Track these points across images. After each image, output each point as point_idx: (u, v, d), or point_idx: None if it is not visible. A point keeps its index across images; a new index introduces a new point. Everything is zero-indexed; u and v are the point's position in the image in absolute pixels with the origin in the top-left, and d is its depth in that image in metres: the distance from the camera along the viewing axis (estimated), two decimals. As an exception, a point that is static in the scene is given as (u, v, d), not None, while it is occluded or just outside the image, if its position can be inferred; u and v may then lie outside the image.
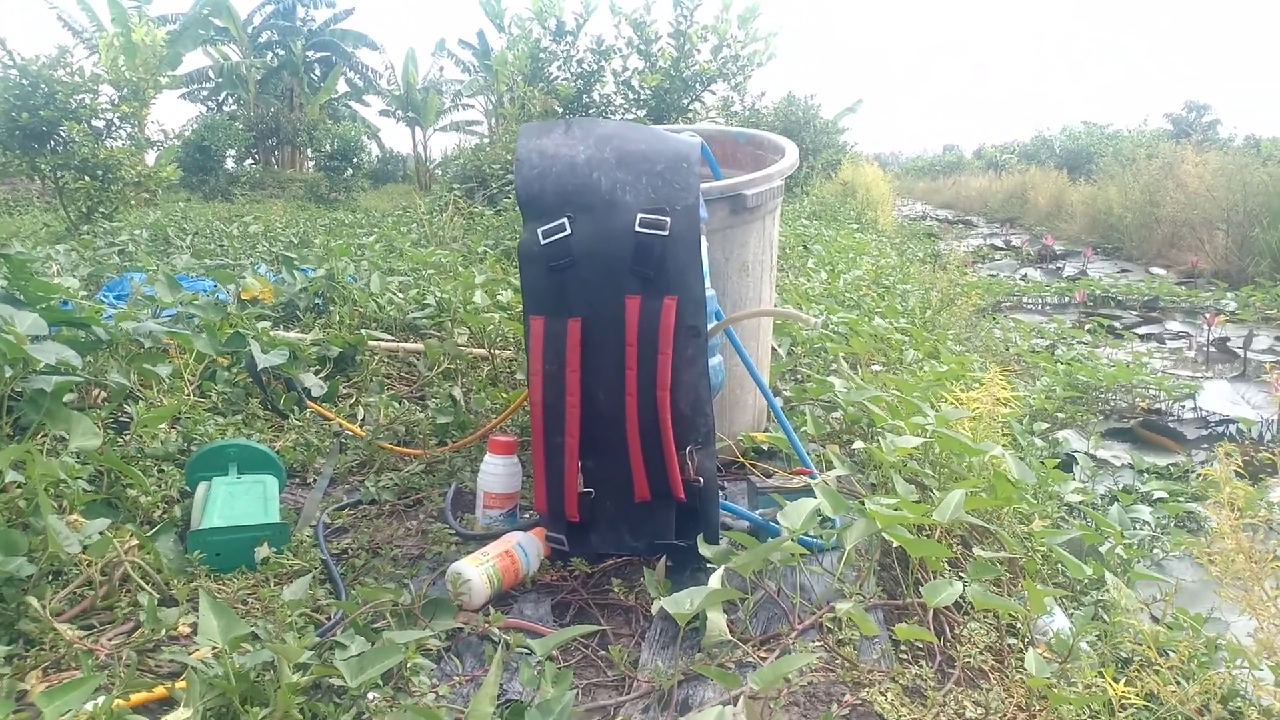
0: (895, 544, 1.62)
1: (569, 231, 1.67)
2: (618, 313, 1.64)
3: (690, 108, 10.67)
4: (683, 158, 1.75)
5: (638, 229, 1.65)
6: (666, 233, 1.64)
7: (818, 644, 1.45)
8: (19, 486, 1.55)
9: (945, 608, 1.58)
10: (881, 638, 1.49)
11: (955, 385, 2.94)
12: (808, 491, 1.79)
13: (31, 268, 2.16)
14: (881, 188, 15.95)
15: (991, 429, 2.64)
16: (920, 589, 1.55)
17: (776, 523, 1.62)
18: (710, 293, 1.86)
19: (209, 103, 22.98)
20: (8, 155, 7.66)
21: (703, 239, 1.77)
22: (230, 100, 22.77)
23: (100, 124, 8.22)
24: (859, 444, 2.14)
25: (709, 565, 1.61)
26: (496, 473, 1.90)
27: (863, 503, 1.64)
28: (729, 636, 1.41)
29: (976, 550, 1.79)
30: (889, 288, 5.34)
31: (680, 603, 1.38)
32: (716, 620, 1.40)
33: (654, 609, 1.50)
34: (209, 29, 19.73)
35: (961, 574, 1.79)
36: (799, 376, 3.04)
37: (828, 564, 1.70)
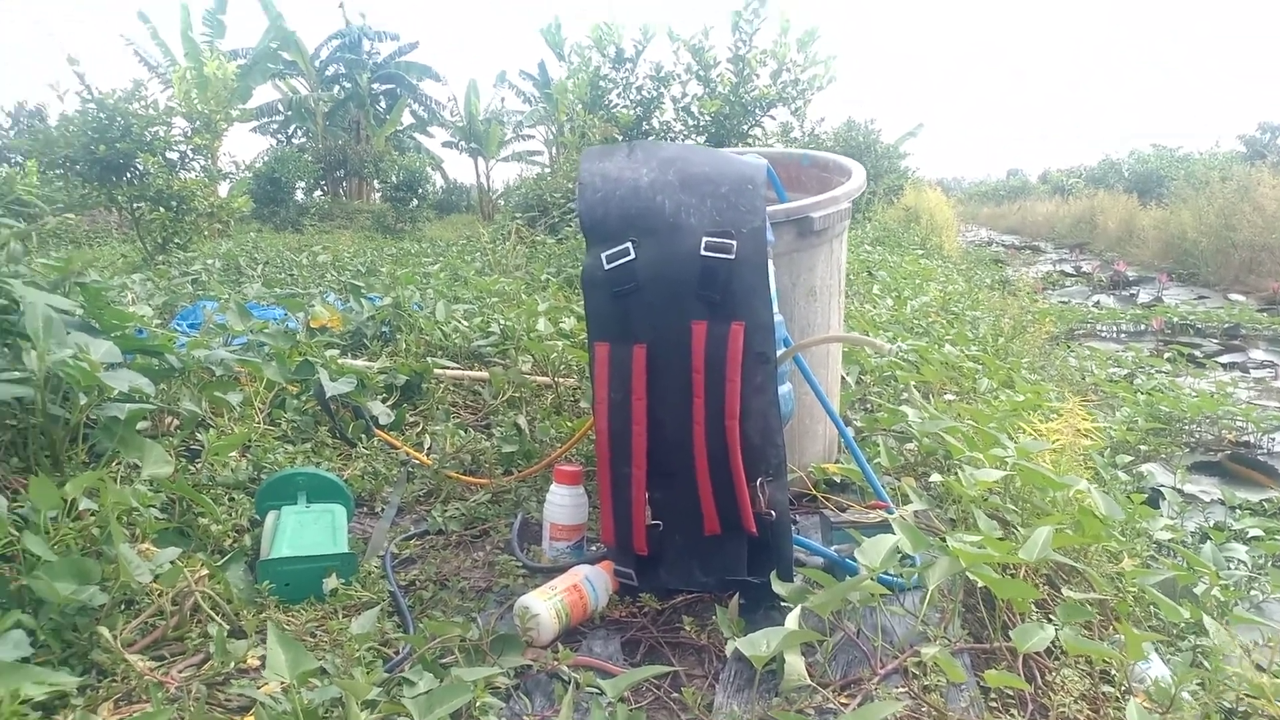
0: (980, 584, 1.54)
1: (633, 256, 1.63)
2: (684, 338, 1.60)
3: (750, 133, 10.64)
4: (748, 179, 1.71)
5: (703, 252, 1.61)
6: (732, 256, 1.60)
7: (902, 690, 1.38)
8: (93, 514, 1.56)
9: (1035, 653, 1.50)
10: (969, 684, 1.42)
11: (1033, 415, 2.84)
12: (885, 527, 1.72)
13: (107, 296, 2.19)
14: (945, 213, 15.74)
15: (1073, 462, 2.54)
16: (1008, 632, 1.47)
17: (853, 559, 1.56)
18: (778, 318, 1.82)
19: (279, 135, 23.60)
20: (86, 187, 7.93)
21: (770, 263, 1.73)
22: (299, 133, 23.36)
23: (174, 156, 8.47)
24: (936, 477, 2.07)
25: (783, 603, 1.55)
26: (563, 504, 1.87)
27: (944, 539, 1.57)
28: (808, 680, 1.35)
29: (1065, 591, 1.71)
30: (958, 314, 5.22)
31: (756, 644, 1.32)
32: (795, 663, 1.34)
33: (728, 650, 1.45)
34: (278, 63, 20.29)
35: (1049, 615, 1.71)
36: (869, 406, 2.97)
37: (909, 604, 1.63)
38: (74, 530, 1.51)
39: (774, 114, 10.84)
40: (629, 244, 1.64)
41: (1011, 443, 2.17)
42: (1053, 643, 1.44)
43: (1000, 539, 1.60)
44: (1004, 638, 1.54)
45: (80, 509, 1.54)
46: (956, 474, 1.95)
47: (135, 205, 8.09)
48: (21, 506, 1.52)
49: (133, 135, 7.79)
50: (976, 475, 1.88)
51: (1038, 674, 1.54)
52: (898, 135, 17.46)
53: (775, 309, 1.76)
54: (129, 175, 8.10)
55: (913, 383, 3.01)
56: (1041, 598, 1.73)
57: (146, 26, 18.20)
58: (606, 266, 1.64)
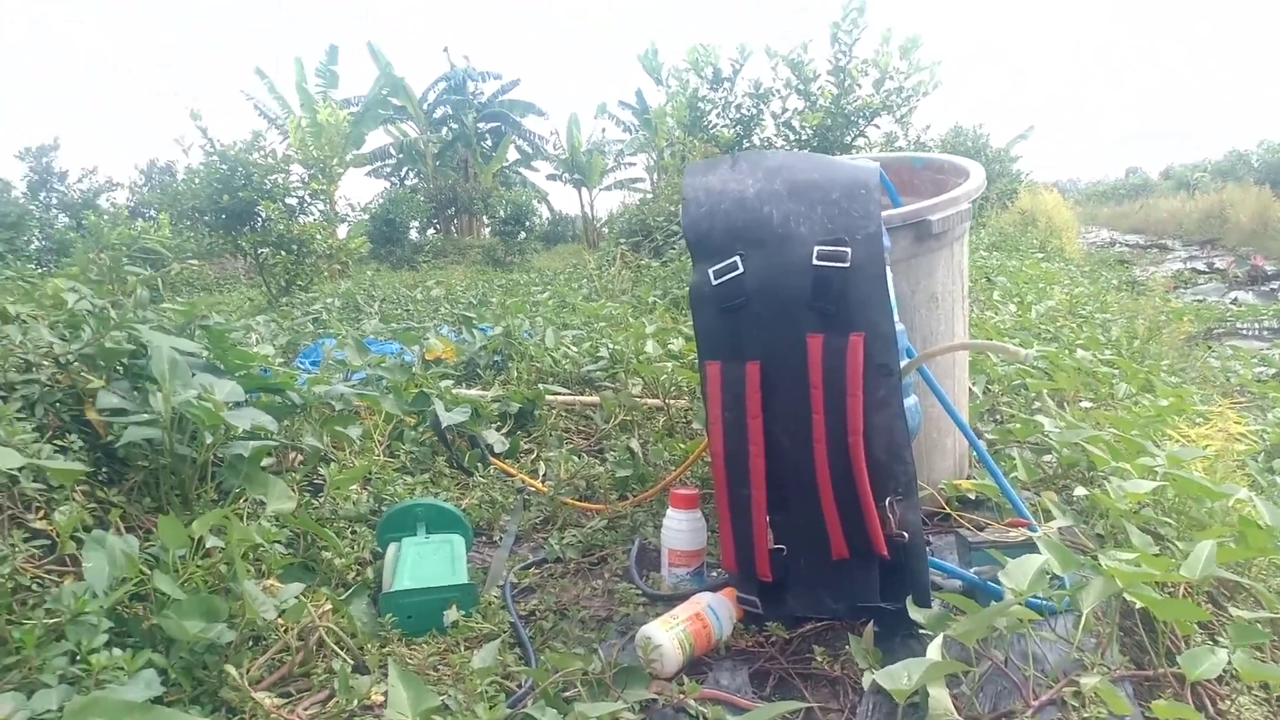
0: (1138, 605, 1.41)
1: (741, 270, 1.57)
2: (799, 353, 1.52)
3: (854, 144, 10.45)
4: (860, 184, 1.63)
5: (815, 262, 1.53)
6: (847, 264, 1.52)
7: (1060, 724, 1.26)
8: (220, 552, 1.58)
9: (1204, 679, 1.37)
10: (1134, 716, 1.29)
11: (1178, 421, 2.65)
12: (1029, 546, 1.60)
13: (231, 337, 2.25)
14: (1064, 214, 15.11)
15: (1229, 469, 2.35)
16: (1173, 657, 1.34)
17: (995, 582, 1.45)
18: (899, 327, 1.72)
19: (392, 178, 24.41)
20: (213, 236, 8.33)
21: (887, 270, 1.64)
22: (411, 174, 24.14)
23: (293, 202, 8.83)
24: (1080, 490, 1.93)
25: (922, 631, 1.45)
26: (680, 529, 1.81)
27: (1095, 558, 1.45)
28: (955, 715, 1.25)
29: (1232, 609, 1.56)
30: (1087, 317, 4.96)
31: (897, 676, 1.23)
32: (940, 697, 1.25)
33: (865, 682, 1.36)
34: (388, 108, 21.03)
35: (1215, 637, 1.56)
36: (999, 417, 2.82)
37: (1061, 630, 1.51)
38: (202, 568, 1.53)
39: (878, 123, 10.62)
40: (736, 258, 1.58)
41: (1160, 450, 2.01)
42: (1226, 667, 1.30)
43: (1156, 555, 1.47)
44: (1169, 663, 1.40)
45: (207, 546, 1.57)
46: (1103, 486, 1.81)
47: (259, 250, 8.46)
48: (152, 546, 1.56)
49: (254, 184, 8.16)
50: (1126, 487, 1.74)
51: (1209, 703, 1.40)
52: (1008, 139, 16.94)
53: (896, 318, 1.67)
54: (252, 223, 8.48)
55: (1045, 391, 2.84)
56: (1207, 618, 1.59)
57: (264, 81, 19.15)
58: (714, 282, 1.59)
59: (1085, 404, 2.88)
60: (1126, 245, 18.53)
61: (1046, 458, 2.31)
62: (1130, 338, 4.48)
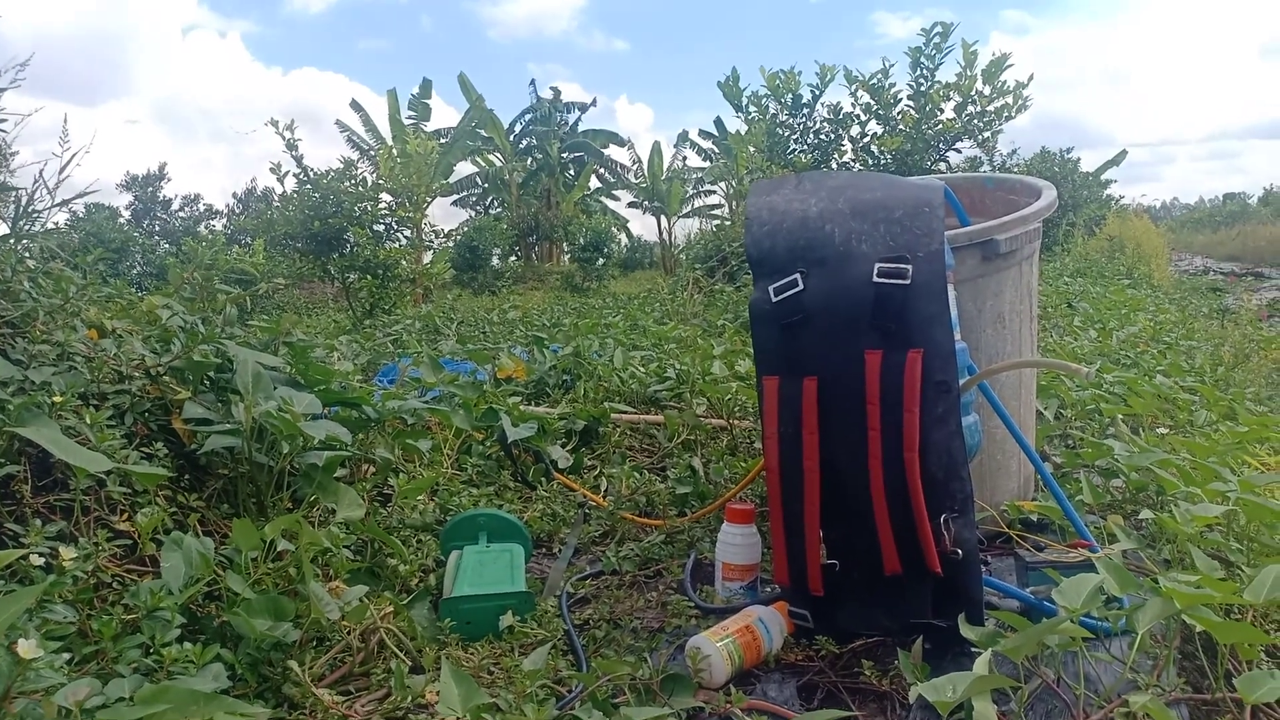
0: (1198, 629, 1.38)
1: (801, 287, 1.59)
2: (857, 369, 1.53)
3: (934, 168, 10.33)
4: (924, 202, 1.63)
5: (876, 279, 1.54)
6: (908, 281, 1.52)
7: (1109, 744, 1.24)
8: (290, 555, 1.65)
9: (1265, 704, 1.33)
10: (1189, 739, 1.26)
11: (1259, 449, 2.56)
12: (1087, 566, 1.57)
13: (311, 354, 2.35)
14: (1154, 241, 14.63)
15: (1312, 497, 2.26)
16: (1232, 681, 1.30)
17: (1051, 602, 1.43)
18: (961, 346, 1.72)
19: (477, 207, 24.98)
20: (303, 261, 8.65)
21: (950, 288, 1.64)
22: (495, 203, 24.67)
23: (380, 228, 9.12)
24: (1146, 513, 1.89)
25: (973, 649, 1.44)
26: (735, 543, 1.83)
27: (1156, 580, 1.42)
28: (999, 730, 1.24)
29: (1304, 638, 1.50)
30: (1171, 344, 4.81)
31: (942, 689, 1.22)
32: (985, 710, 1.24)
33: (911, 696, 1.35)
34: (476, 139, 21.59)
35: (1284, 665, 1.51)
36: (1070, 441, 2.76)
37: (1116, 651, 1.48)
38: (272, 571, 1.60)
39: (960, 148, 10.49)
40: (797, 275, 1.60)
41: (1234, 476, 1.95)
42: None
43: (1222, 579, 1.43)
44: (1228, 687, 1.36)
45: (279, 550, 1.64)
46: (1171, 510, 1.77)
47: (346, 275, 8.74)
48: (227, 548, 1.63)
49: (344, 211, 8.46)
50: (1193, 511, 1.70)
51: (1272, 731, 1.35)
52: (1098, 162, 16.53)
53: (957, 335, 1.67)
54: (341, 249, 8.78)
55: (1120, 416, 2.77)
56: (1273, 643, 1.53)
57: (359, 115, 19.85)
58: (774, 299, 1.61)
59: (1162, 430, 2.80)
60: (1221, 273, 17.85)
61: (1115, 482, 2.26)
62: (1215, 365, 4.32)
